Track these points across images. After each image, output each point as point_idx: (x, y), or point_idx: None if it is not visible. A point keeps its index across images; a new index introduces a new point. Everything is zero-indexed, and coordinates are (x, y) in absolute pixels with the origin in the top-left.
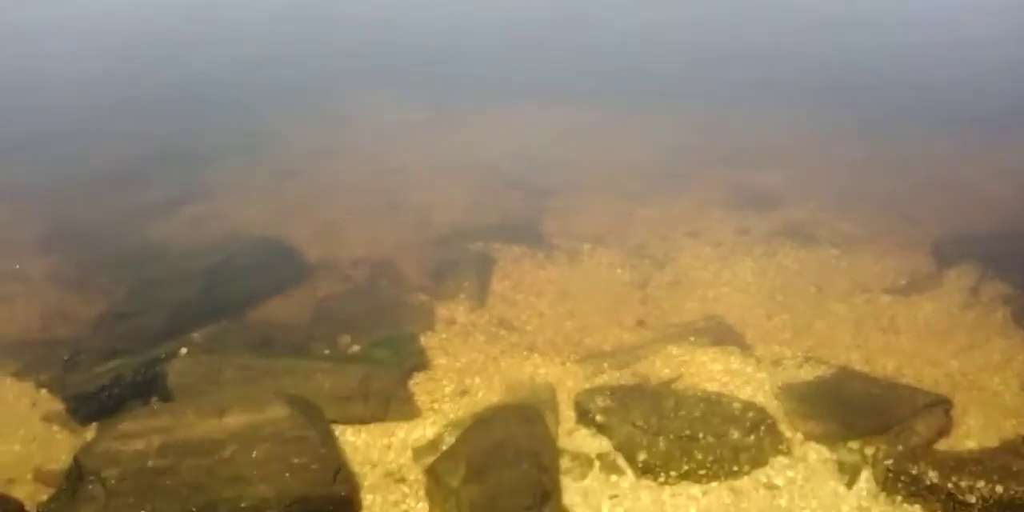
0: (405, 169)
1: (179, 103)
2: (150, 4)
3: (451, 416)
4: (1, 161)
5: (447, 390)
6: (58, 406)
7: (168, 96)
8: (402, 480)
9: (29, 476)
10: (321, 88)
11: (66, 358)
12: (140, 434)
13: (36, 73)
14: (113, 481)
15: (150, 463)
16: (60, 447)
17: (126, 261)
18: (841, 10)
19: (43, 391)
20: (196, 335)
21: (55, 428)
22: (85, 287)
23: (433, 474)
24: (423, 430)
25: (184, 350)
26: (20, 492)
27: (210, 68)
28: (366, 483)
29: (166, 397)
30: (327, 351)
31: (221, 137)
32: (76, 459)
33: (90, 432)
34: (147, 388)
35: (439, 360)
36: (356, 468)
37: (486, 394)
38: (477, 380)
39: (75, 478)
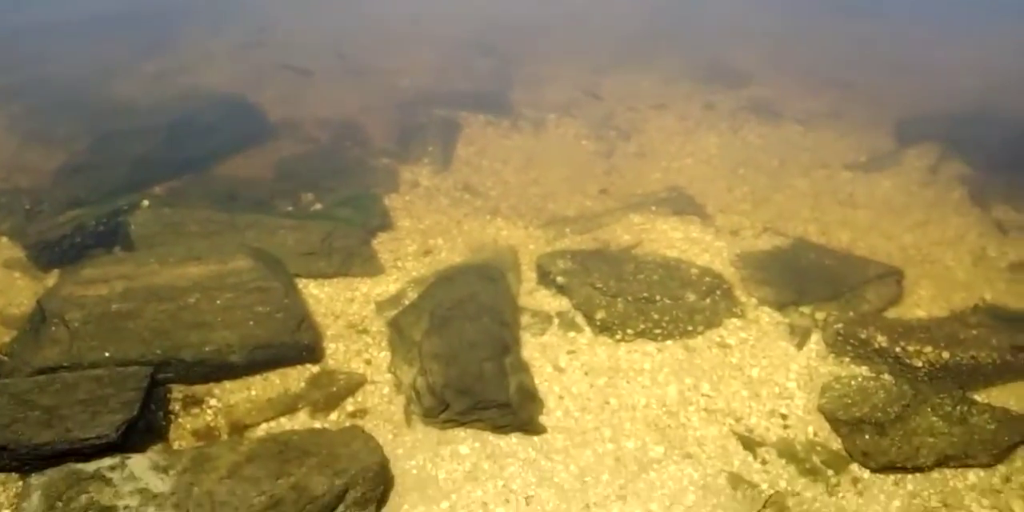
0: (374, 33)
1: None
2: None
3: (414, 274)
4: None
5: (410, 249)
6: (19, 254)
7: None
8: (365, 331)
9: None
10: None
11: (27, 207)
12: (103, 280)
13: None
14: (77, 324)
15: (113, 307)
16: (21, 292)
17: (88, 114)
18: None
19: (4, 239)
20: (158, 189)
21: (16, 274)
22: (46, 139)
23: (395, 326)
24: (386, 286)
25: (146, 202)
26: None
27: None
28: (329, 333)
29: (128, 247)
30: (290, 208)
31: None
32: (39, 303)
33: (52, 278)
34: (109, 238)
35: (403, 221)
36: (319, 319)
37: (449, 255)
38: (440, 241)
39: (38, 321)
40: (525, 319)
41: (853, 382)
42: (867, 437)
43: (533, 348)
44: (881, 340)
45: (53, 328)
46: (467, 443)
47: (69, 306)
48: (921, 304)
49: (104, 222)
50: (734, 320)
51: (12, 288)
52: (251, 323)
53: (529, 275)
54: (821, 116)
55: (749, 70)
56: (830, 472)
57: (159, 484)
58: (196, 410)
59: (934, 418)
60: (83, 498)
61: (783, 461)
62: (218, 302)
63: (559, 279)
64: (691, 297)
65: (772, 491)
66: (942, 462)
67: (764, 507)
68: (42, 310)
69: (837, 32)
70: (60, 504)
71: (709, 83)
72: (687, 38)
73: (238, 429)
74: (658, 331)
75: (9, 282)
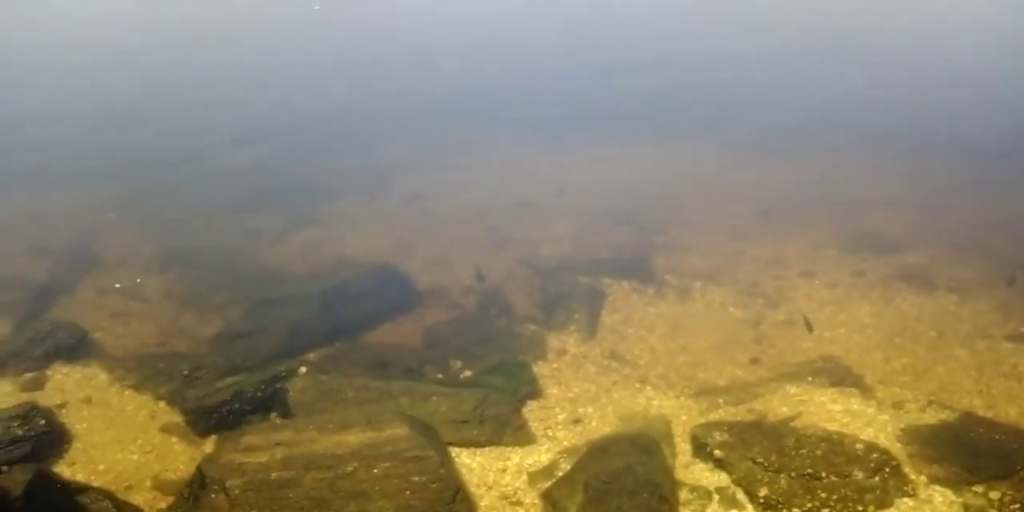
0: (514, 204)
1: (300, 136)
2: (279, 43)
3: (565, 444)
4: (123, 184)
5: (560, 418)
6: (177, 419)
7: (290, 129)
8: (518, 503)
9: (148, 484)
10: (437, 127)
11: (186, 373)
12: (263, 447)
13: (163, 101)
14: (237, 491)
15: (274, 475)
16: (178, 458)
17: (241, 282)
18: (955, 69)
19: (162, 404)
20: (312, 355)
21: (173, 439)
22: (201, 306)
23: (550, 499)
24: (538, 456)
25: (303, 369)
26: (138, 498)
27: (335, 103)
28: (482, 504)
29: (286, 413)
30: (440, 375)
31: (338, 169)
32: (199, 469)
33: (208, 444)
34: (266, 404)
35: (551, 389)
36: (472, 489)
37: (599, 424)
38: (590, 410)
39: (197, 487)
40: (683, 494)
41: None
42: None
43: None
44: None
45: (213, 495)
46: None
47: (230, 473)
48: None
49: (262, 388)
50: (906, 500)
51: (169, 453)
52: (408, 493)
53: (683, 447)
54: (974, 284)
55: (896, 237)
56: None
57: None
58: None
59: None
60: None
61: None
62: (375, 471)
63: (716, 452)
64: (859, 474)
65: None
66: None
67: None
68: (202, 476)
69: (978, 197)
70: None
71: (856, 250)
72: (829, 205)
73: None
74: (826, 510)
75: (167, 447)
